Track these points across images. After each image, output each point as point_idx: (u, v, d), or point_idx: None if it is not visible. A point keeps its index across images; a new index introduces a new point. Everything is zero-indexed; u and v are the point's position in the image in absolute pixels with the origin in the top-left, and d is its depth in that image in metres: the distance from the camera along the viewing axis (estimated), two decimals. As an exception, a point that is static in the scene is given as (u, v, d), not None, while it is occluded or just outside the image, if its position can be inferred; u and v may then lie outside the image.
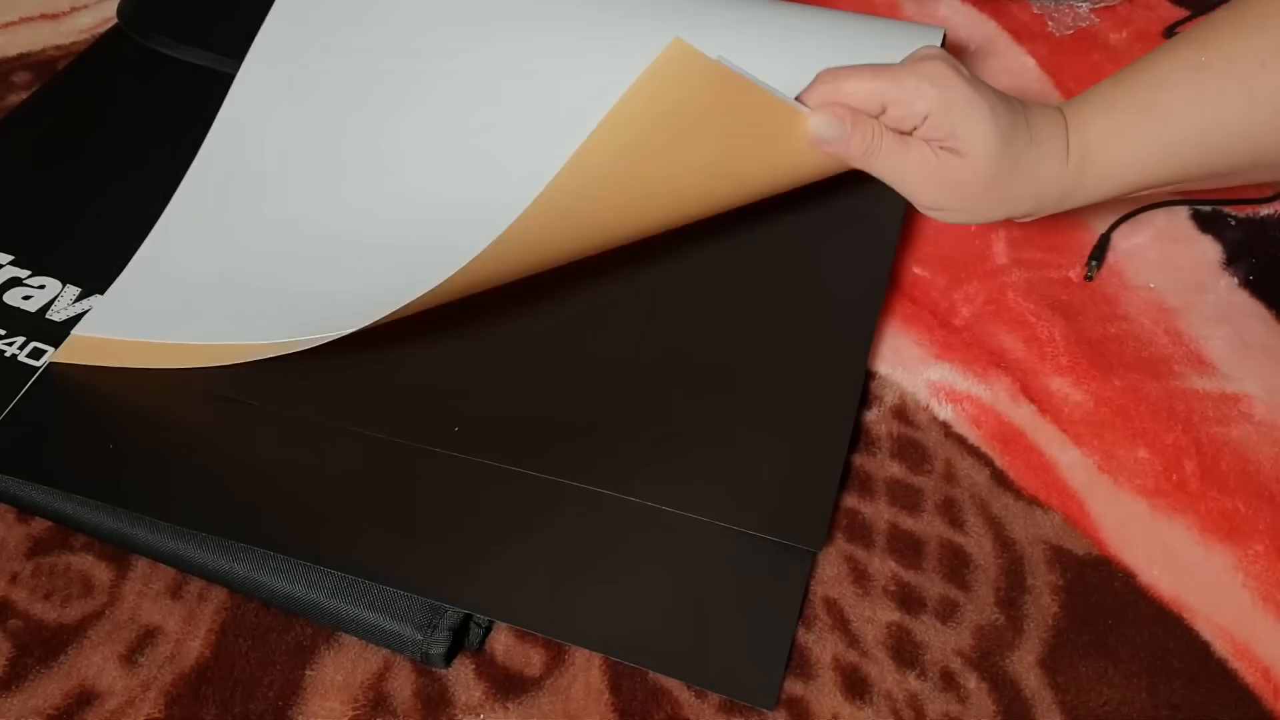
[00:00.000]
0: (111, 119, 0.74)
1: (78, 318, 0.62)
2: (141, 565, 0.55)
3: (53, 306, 0.62)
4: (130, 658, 0.52)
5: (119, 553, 0.55)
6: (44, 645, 0.52)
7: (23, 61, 0.81)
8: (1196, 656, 0.53)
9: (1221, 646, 0.53)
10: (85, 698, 0.50)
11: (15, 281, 0.64)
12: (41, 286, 0.63)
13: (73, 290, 0.63)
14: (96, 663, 0.51)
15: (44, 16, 0.85)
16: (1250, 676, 0.52)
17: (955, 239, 0.69)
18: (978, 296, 0.67)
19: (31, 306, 0.62)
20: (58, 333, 0.61)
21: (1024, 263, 0.68)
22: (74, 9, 0.85)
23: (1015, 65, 0.81)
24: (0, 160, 0.72)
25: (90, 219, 0.68)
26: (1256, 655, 0.53)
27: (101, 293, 0.63)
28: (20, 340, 0.60)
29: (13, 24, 0.84)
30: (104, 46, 0.80)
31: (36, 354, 0.60)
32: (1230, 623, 0.54)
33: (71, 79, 0.78)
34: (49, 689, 0.51)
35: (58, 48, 0.82)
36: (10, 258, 0.65)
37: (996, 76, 0.79)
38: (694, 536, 0.54)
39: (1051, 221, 0.70)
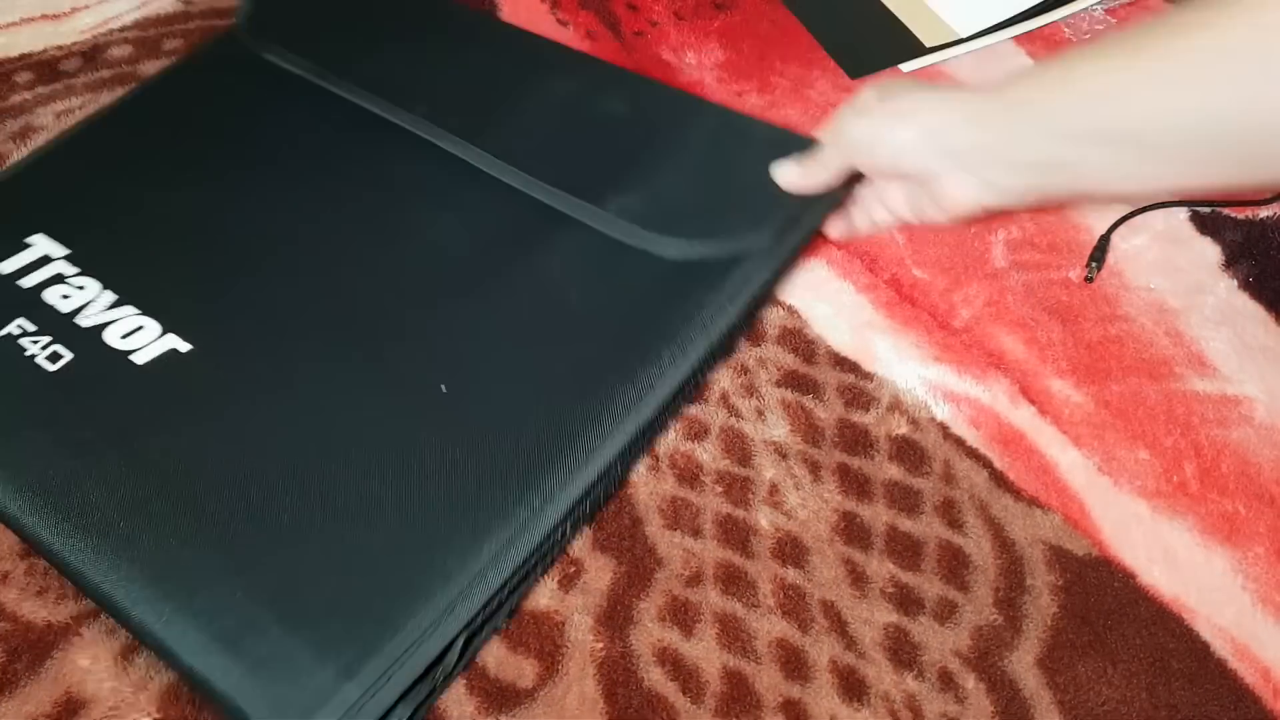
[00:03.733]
0: (205, 128, 0.73)
1: (103, 327, 0.60)
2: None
3: (83, 311, 0.61)
4: (122, 662, 0.51)
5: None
6: (33, 648, 0.52)
7: (24, 62, 0.81)
8: (1196, 657, 0.52)
9: (1221, 647, 0.53)
10: (76, 702, 0.50)
11: (60, 278, 0.63)
12: (81, 288, 0.62)
13: (109, 297, 0.61)
14: (87, 666, 0.51)
15: (45, 17, 0.85)
16: (1250, 677, 0.52)
17: (955, 241, 0.69)
18: (977, 299, 0.67)
19: (65, 307, 0.61)
20: (80, 339, 0.60)
21: (1024, 264, 0.68)
22: (75, 9, 0.85)
23: (1015, 66, 0.80)
24: (87, 153, 0.71)
25: (153, 230, 0.66)
26: (1256, 655, 0.53)
27: (137, 307, 0.61)
28: (45, 341, 0.60)
29: (14, 24, 0.84)
30: (211, 51, 0.78)
31: (55, 358, 0.59)
32: (1230, 623, 0.54)
33: (174, 81, 0.76)
34: (39, 695, 0.50)
35: (59, 48, 0.82)
36: (67, 251, 0.64)
37: (995, 77, 0.79)
38: None
39: (1051, 222, 0.70)
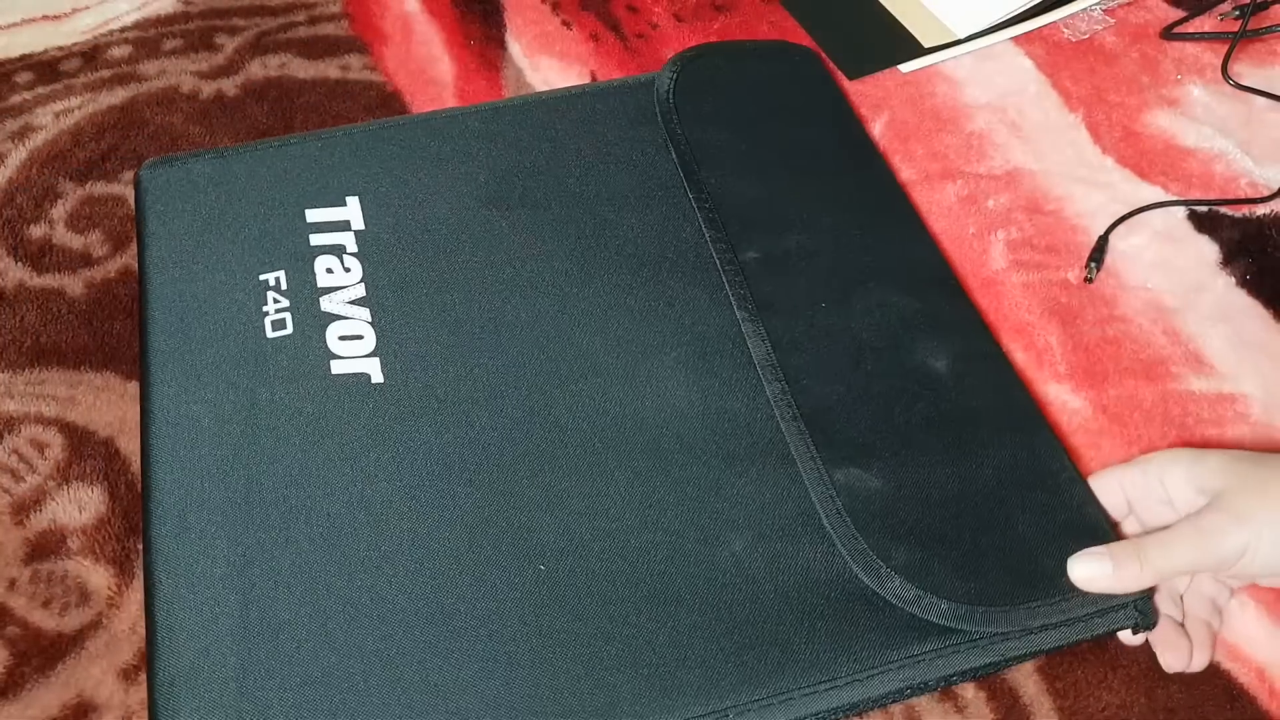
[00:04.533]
0: (547, 168, 0.66)
1: (333, 319, 0.57)
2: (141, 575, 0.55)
3: (333, 294, 0.58)
4: (129, 674, 0.51)
5: (118, 557, 0.55)
6: (41, 655, 0.52)
7: (24, 62, 0.81)
8: (1192, 659, 0.53)
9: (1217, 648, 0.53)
10: (84, 710, 0.50)
11: (339, 250, 0.60)
12: (348, 270, 0.60)
13: (358, 291, 0.59)
14: (95, 676, 0.51)
15: (45, 17, 0.85)
16: (1245, 678, 0.52)
17: (954, 243, 0.69)
18: (979, 304, 0.66)
19: (323, 281, 0.59)
20: (309, 320, 0.57)
21: (1023, 264, 0.68)
22: (75, 10, 0.85)
23: (1013, 66, 0.80)
24: (443, 139, 0.67)
25: (435, 245, 0.61)
26: (1249, 656, 0.53)
27: (373, 314, 0.58)
28: (283, 305, 0.58)
29: (14, 25, 0.84)
30: (618, 88, 0.72)
31: (278, 326, 0.57)
32: (1225, 624, 0.54)
33: (561, 103, 0.71)
34: (46, 700, 0.50)
35: (59, 48, 0.82)
36: (362, 227, 0.61)
37: (993, 77, 0.79)
38: None
39: (1050, 223, 0.70)
